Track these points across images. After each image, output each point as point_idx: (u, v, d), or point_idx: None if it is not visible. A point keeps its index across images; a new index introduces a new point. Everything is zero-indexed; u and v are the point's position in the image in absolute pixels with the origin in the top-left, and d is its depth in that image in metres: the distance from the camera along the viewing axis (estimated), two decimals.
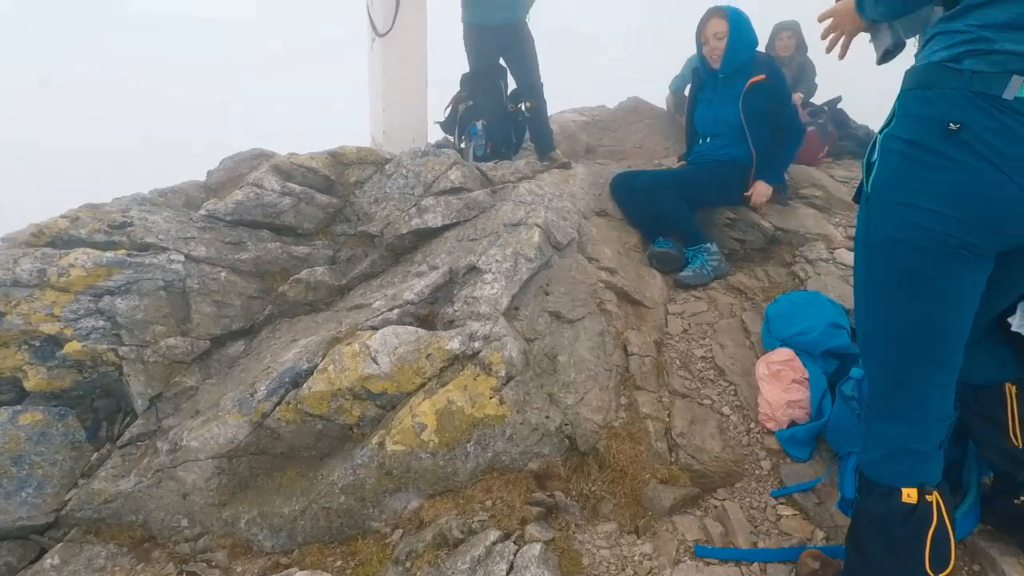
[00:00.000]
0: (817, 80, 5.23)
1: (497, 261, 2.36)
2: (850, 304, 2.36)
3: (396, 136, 4.15)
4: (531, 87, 4.28)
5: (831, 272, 2.61)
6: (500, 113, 4.08)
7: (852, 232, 2.99)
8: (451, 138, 4.30)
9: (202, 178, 3.43)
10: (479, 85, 4.10)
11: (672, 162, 4.80)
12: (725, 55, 3.07)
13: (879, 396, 1.31)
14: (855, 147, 4.79)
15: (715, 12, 3.10)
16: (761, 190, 3.14)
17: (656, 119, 5.67)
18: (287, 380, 1.96)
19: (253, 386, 1.98)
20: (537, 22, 4.28)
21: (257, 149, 3.75)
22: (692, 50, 5.97)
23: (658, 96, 5.90)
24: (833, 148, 4.56)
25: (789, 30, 5.08)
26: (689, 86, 5.62)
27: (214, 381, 2.26)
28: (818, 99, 5.11)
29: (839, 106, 4.95)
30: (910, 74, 1.20)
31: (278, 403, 1.92)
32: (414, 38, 4.05)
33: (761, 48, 5.69)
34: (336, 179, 2.95)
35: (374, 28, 3.95)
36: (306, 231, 2.84)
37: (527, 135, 4.51)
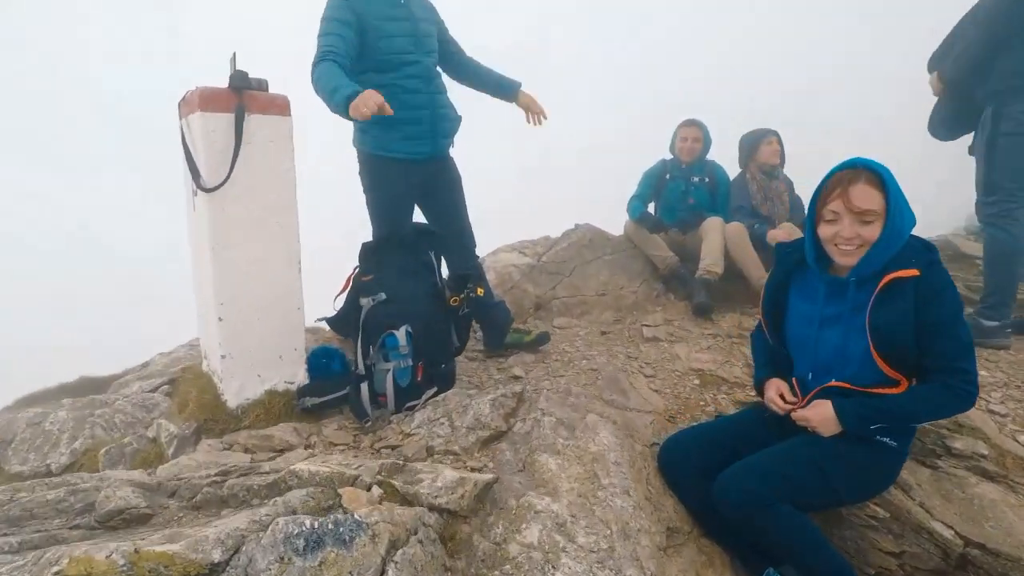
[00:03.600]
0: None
1: None
2: None
3: (247, 357, 2.31)
4: (473, 256, 2.70)
5: None
6: (437, 310, 2.40)
7: None
8: (351, 343, 2.53)
9: None
10: (396, 262, 2.41)
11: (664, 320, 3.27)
12: (870, 252, 1.63)
13: None
14: None
15: (864, 171, 1.62)
16: (821, 416, 1.68)
17: (617, 253, 4.32)
18: None
19: None
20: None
21: None
22: (644, 159, 4.82)
23: (611, 221, 4.61)
24: None
25: (775, 136, 4.01)
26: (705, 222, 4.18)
27: None
28: None
29: None
30: None
31: None
32: (274, 185, 2.30)
33: (726, 161, 4.70)
34: None
35: (196, 179, 2.15)
36: None
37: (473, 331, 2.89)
